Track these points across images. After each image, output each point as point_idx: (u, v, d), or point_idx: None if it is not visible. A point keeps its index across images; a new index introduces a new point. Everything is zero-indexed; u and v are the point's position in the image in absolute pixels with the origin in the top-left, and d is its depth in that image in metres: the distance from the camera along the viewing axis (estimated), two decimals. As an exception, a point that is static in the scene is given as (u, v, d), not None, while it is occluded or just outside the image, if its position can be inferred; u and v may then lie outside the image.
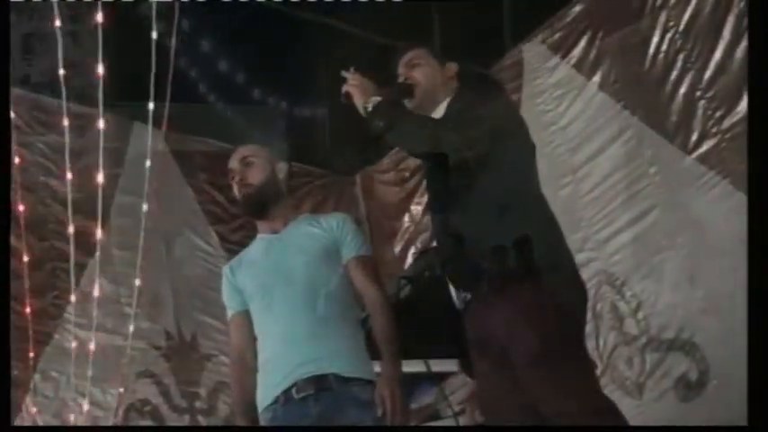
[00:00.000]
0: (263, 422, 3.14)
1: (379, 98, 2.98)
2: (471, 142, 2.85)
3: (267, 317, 3.23)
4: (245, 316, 3.32)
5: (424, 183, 3.23)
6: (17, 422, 5.24)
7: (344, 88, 3.05)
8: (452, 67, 3.19)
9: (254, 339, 3.28)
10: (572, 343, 2.76)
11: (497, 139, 2.89)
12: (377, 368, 3.19)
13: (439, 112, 3.06)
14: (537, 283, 2.71)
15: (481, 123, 2.89)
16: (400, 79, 3.14)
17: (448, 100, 3.06)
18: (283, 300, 3.20)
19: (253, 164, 3.38)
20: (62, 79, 4.56)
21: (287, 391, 3.09)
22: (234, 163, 3.40)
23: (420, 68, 3.14)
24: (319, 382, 3.08)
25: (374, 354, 3.23)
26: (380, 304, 3.23)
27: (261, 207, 3.36)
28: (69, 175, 4.94)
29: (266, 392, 3.15)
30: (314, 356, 3.11)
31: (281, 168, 3.43)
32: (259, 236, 3.43)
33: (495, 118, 2.94)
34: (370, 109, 2.96)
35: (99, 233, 5.10)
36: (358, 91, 3.02)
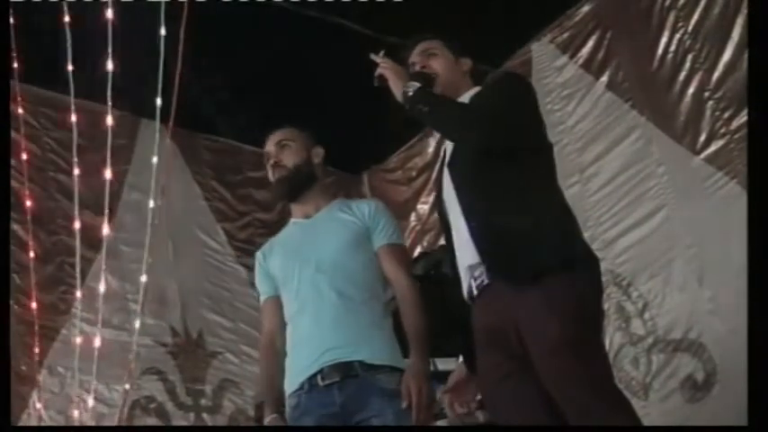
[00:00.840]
0: (287, 409, 3.13)
1: (417, 83, 2.94)
2: (503, 132, 2.81)
3: (296, 303, 3.23)
4: (277, 301, 3.32)
5: (435, 176, 3.19)
6: (24, 417, 5.23)
7: (378, 71, 3.01)
8: (467, 62, 3.16)
9: (284, 324, 3.28)
10: (595, 333, 2.72)
11: (521, 134, 2.86)
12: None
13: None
14: (566, 273, 2.66)
15: (508, 118, 2.84)
16: (416, 68, 3.09)
17: (470, 94, 3.02)
18: (312, 286, 3.19)
19: (288, 146, 3.37)
20: (70, 75, 4.57)
21: (312, 378, 3.09)
22: (270, 146, 3.38)
23: (437, 59, 3.10)
24: (345, 369, 3.07)
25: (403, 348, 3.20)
26: (411, 294, 3.21)
27: (294, 190, 3.35)
28: (76, 171, 4.94)
29: (293, 378, 3.15)
30: (341, 343, 3.10)
31: (318, 153, 3.42)
32: (292, 220, 3.42)
33: (519, 114, 2.90)
34: (411, 93, 2.92)
35: (106, 229, 5.09)
36: (394, 75, 2.99)
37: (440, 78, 3.05)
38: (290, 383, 3.16)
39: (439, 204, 3.05)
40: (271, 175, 3.39)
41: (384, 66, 3.02)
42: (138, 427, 5.48)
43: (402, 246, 3.38)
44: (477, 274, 2.83)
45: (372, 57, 3.07)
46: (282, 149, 3.36)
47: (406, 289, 3.23)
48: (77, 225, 4.91)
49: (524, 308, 2.67)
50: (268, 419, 3.15)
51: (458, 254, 2.91)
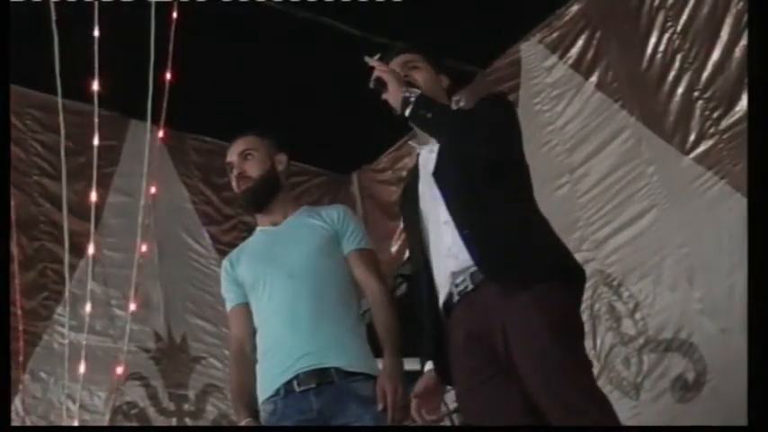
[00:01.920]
0: (263, 414, 3.13)
1: (418, 90, 2.95)
2: (500, 145, 2.88)
3: (268, 308, 3.22)
4: (245, 308, 3.32)
5: (406, 187, 3.21)
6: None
7: (377, 74, 3.00)
8: (445, 79, 3.18)
9: (253, 332, 3.28)
10: (579, 341, 2.76)
11: (512, 149, 2.96)
12: (379, 364, 3.17)
13: None
14: (556, 281, 2.72)
15: (503, 132, 2.93)
16: (403, 73, 3.07)
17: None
18: (284, 291, 3.19)
19: (252, 157, 3.37)
20: (58, 75, 4.52)
21: (288, 384, 3.09)
22: (233, 156, 3.39)
23: (419, 72, 3.11)
24: (321, 375, 3.08)
25: (375, 350, 3.21)
26: (382, 297, 3.23)
27: (261, 200, 3.36)
28: (65, 175, 4.88)
29: (267, 383, 3.14)
30: (315, 349, 3.11)
31: (281, 160, 3.42)
32: (259, 228, 3.42)
33: (511, 129, 2.99)
34: (413, 99, 2.92)
35: (92, 233, 5.04)
36: (393, 79, 2.97)
37: (422, 91, 3.04)
38: (264, 389, 3.16)
39: (413, 214, 3.04)
40: (236, 186, 3.40)
41: (382, 69, 3.01)
42: (137, 427, 5.42)
43: (371, 250, 3.40)
44: (459, 280, 2.85)
45: (367, 59, 3.05)
46: (246, 160, 3.38)
47: (377, 292, 3.25)
48: (66, 230, 4.85)
49: (513, 310, 2.70)
50: (243, 423, 3.16)
51: (437, 262, 2.93)
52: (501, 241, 2.78)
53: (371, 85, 3.01)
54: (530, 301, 2.68)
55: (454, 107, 3.09)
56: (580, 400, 2.59)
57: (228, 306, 3.41)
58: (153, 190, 4.88)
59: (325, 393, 3.06)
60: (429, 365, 2.96)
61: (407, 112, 2.93)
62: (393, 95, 2.96)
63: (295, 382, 3.08)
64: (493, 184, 2.84)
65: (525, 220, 2.87)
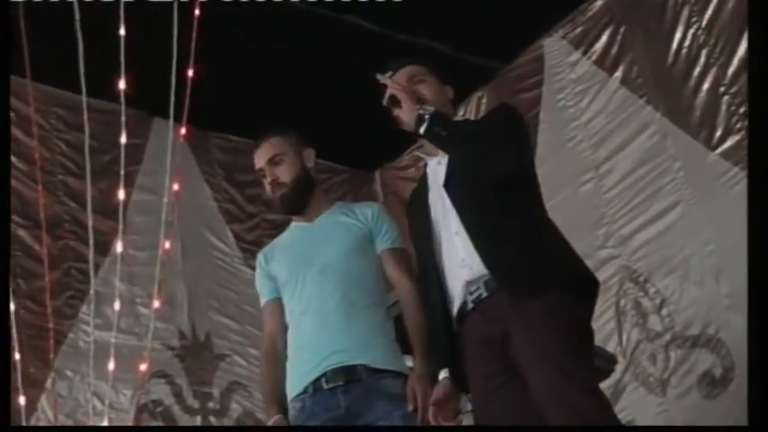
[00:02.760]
0: (291, 411, 3.13)
1: (432, 107, 2.96)
2: (514, 160, 2.90)
3: (299, 305, 3.22)
4: (278, 303, 3.32)
5: (413, 200, 3.24)
6: (32, 421, 5.19)
7: (391, 92, 3.00)
8: (450, 90, 3.18)
9: (285, 327, 3.28)
10: (587, 350, 2.80)
11: (525, 162, 2.98)
12: (408, 363, 3.16)
13: None
14: (567, 291, 2.75)
15: (516, 146, 2.95)
16: (409, 89, 3.08)
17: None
18: (315, 289, 3.19)
19: (282, 161, 3.36)
20: (82, 74, 4.53)
21: (316, 381, 3.09)
22: (262, 162, 3.37)
23: (426, 85, 3.12)
24: (348, 373, 3.07)
25: (404, 347, 3.20)
26: (414, 298, 3.21)
27: (299, 203, 3.35)
28: (89, 174, 4.89)
29: (296, 381, 3.14)
30: (344, 347, 3.10)
31: (309, 156, 3.41)
32: (293, 223, 3.41)
33: (524, 142, 3.02)
34: (427, 116, 2.92)
35: (120, 232, 5.06)
36: (408, 97, 2.98)
37: (431, 104, 3.05)
38: (293, 386, 3.16)
39: (423, 223, 3.05)
40: (270, 193, 3.38)
41: (396, 87, 3.01)
42: (136, 428, 5.43)
43: (404, 250, 3.37)
44: (473, 288, 2.88)
45: (379, 77, 3.06)
46: (277, 166, 3.36)
47: (408, 292, 3.23)
48: (91, 229, 4.87)
49: (524, 318, 2.73)
50: (273, 420, 3.15)
51: (450, 272, 2.94)
52: (513, 251, 2.81)
53: (385, 103, 3.02)
54: (540, 310, 2.70)
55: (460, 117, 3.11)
56: (586, 408, 2.61)
57: (262, 300, 3.41)
58: (176, 187, 4.89)
59: (352, 391, 3.06)
60: (444, 373, 2.97)
61: (422, 130, 2.94)
62: (407, 113, 2.96)
63: (323, 380, 3.08)
64: (504, 196, 2.86)
65: (537, 230, 2.88)
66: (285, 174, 3.35)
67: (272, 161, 3.37)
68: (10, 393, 4.40)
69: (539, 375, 2.67)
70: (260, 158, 3.41)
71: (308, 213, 3.37)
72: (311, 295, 3.20)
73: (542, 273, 2.76)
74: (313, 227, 3.34)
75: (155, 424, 5.70)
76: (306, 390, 3.11)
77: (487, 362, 2.82)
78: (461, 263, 2.89)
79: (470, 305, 2.88)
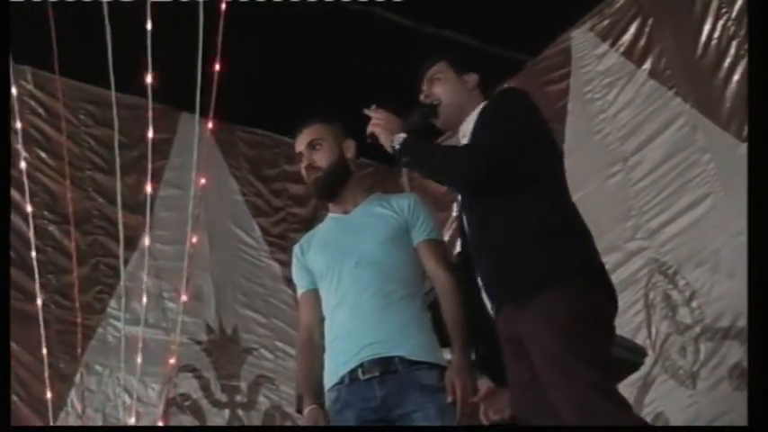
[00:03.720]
0: (327, 402, 3.13)
1: (403, 135, 3.00)
2: (499, 163, 2.87)
3: (336, 297, 3.21)
4: (315, 294, 3.31)
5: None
6: (61, 416, 5.22)
7: (369, 128, 3.08)
8: (472, 77, 3.17)
9: (322, 319, 3.27)
10: (594, 343, 2.77)
11: (525, 151, 2.92)
12: (447, 355, 3.16)
13: (468, 126, 3.05)
14: (563, 287, 2.75)
15: (507, 137, 2.91)
16: (422, 96, 3.16)
17: (477, 111, 3.06)
18: (352, 280, 3.18)
19: (321, 146, 3.34)
20: (111, 70, 4.55)
21: (353, 372, 3.08)
22: (301, 146, 3.36)
23: (439, 84, 3.15)
24: (385, 364, 3.06)
25: (441, 338, 3.19)
26: (451, 290, 3.19)
27: (331, 190, 3.34)
28: (119, 169, 4.92)
29: (333, 372, 3.14)
30: (381, 338, 3.09)
31: (350, 147, 3.40)
32: (330, 215, 3.40)
33: (521, 131, 2.96)
34: (397, 147, 2.99)
35: (147, 227, 5.09)
36: (383, 130, 3.05)
37: (442, 104, 3.12)
38: (330, 377, 3.16)
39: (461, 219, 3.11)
40: (305, 176, 3.37)
41: (375, 122, 3.08)
42: (140, 428, 5.46)
43: (441, 241, 3.37)
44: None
45: (366, 112, 3.13)
46: (315, 150, 3.35)
47: (446, 284, 3.21)
48: (121, 224, 4.90)
49: (525, 325, 2.77)
50: (308, 410, 3.15)
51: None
52: (498, 264, 2.87)
53: (368, 140, 3.12)
54: (537, 315, 2.73)
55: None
56: (597, 403, 2.61)
57: (299, 292, 3.40)
58: (203, 181, 4.90)
59: (389, 382, 3.05)
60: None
61: (396, 160, 3.06)
62: (384, 144, 3.06)
63: (360, 371, 3.07)
64: (498, 199, 2.89)
65: (537, 227, 2.86)
66: (322, 159, 3.33)
67: (311, 145, 3.35)
68: (10, 393, 4.46)
69: (544, 376, 2.71)
70: (300, 142, 3.39)
71: (343, 203, 3.35)
72: (347, 287, 3.19)
73: (529, 278, 2.78)
74: (349, 218, 3.33)
75: (183, 417, 5.72)
76: (342, 380, 3.10)
77: (517, 360, 2.86)
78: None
79: (494, 307, 2.95)
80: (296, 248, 3.41)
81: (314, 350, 3.24)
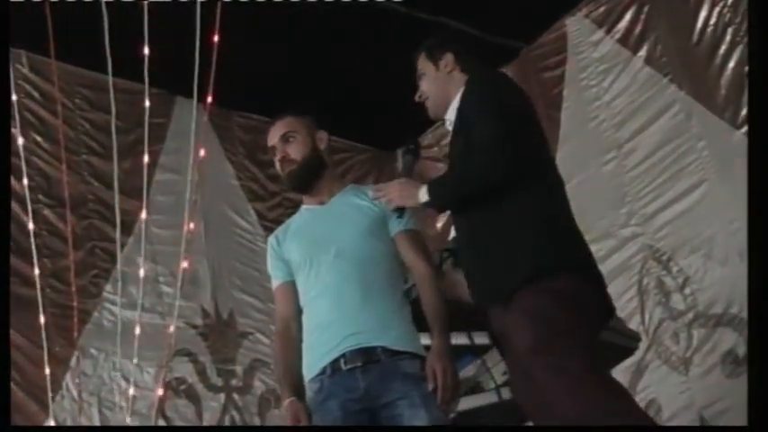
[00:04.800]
0: (309, 393, 3.12)
1: (424, 189, 2.97)
2: (515, 156, 2.85)
3: (315, 288, 3.20)
4: (291, 286, 3.29)
5: None
6: (57, 399, 5.24)
7: (393, 206, 3.08)
8: (447, 58, 3.15)
9: (299, 310, 3.26)
10: (571, 333, 2.76)
11: (513, 131, 2.90)
12: (424, 341, 3.17)
13: (454, 106, 3.06)
14: (537, 283, 2.77)
15: (510, 128, 2.89)
16: (416, 96, 3.19)
17: (458, 95, 3.06)
18: (331, 271, 3.17)
19: (294, 139, 3.33)
20: (108, 53, 4.55)
21: (335, 362, 3.08)
22: (274, 140, 3.35)
23: (423, 79, 3.17)
24: (367, 354, 3.06)
25: (420, 326, 3.21)
26: (429, 278, 3.21)
27: (306, 182, 3.33)
28: (116, 153, 4.92)
29: (313, 363, 3.14)
30: (362, 328, 3.09)
31: (322, 138, 3.39)
32: (304, 207, 3.40)
33: (505, 107, 2.95)
34: (430, 202, 2.97)
35: (144, 212, 5.09)
36: (402, 199, 3.04)
37: (428, 100, 3.16)
38: (311, 367, 3.15)
39: None
40: (280, 170, 3.36)
41: (390, 197, 3.07)
42: (139, 428, 5.47)
43: (418, 231, 3.33)
44: None
45: (371, 196, 3.21)
46: (288, 143, 3.33)
47: (424, 273, 3.22)
48: (117, 208, 4.91)
49: (503, 324, 2.83)
50: (287, 402, 3.14)
51: None
52: (480, 260, 2.91)
53: (396, 214, 3.12)
54: (513, 312, 2.77)
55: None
56: (587, 390, 2.64)
57: (275, 283, 3.39)
58: (202, 153, 4.89)
59: (371, 372, 3.05)
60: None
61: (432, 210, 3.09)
62: (416, 208, 3.06)
63: (342, 361, 3.07)
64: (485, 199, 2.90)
65: (505, 227, 2.87)
66: (295, 151, 3.32)
67: (284, 138, 3.35)
68: (10, 393, 4.47)
69: (541, 377, 2.71)
70: (273, 136, 3.38)
71: (318, 195, 3.36)
72: (328, 278, 3.19)
73: (506, 278, 2.81)
74: (325, 209, 3.33)
75: (178, 401, 5.73)
76: (324, 370, 3.10)
77: (507, 352, 2.96)
78: None
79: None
80: (271, 239, 3.40)
81: (292, 342, 3.23)
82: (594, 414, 2.59)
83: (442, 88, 3.12)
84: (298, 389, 3.15)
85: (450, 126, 3.10)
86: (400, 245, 3.26)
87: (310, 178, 3.33)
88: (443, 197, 2.98)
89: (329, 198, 3.34)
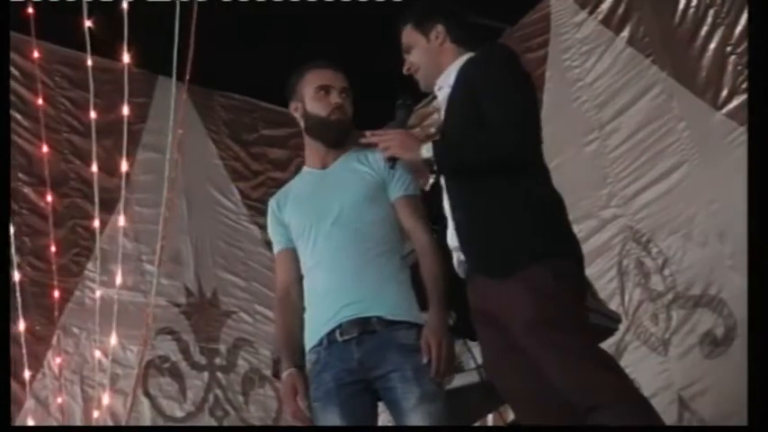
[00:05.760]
0: (308, 364, 3.11)
1: (429, 143, 2.90)
2: (535, 133, 2.85)
3: (312, 257, 3.18)
4: (292, 253, 3.26)
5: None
6: (38, 377, 5.24)
7: (387, 154, 2.96)
8: (438, 30, 3.11)
9: (300, 278, 3.23)
10: (571, 313, 2.78)
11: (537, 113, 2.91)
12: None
13: (446, 80, 3.04)
14: (540, 262, 2.76)
15: (528, 108, 2.89)
16: (404, 69, 3.14)
17: (459, 63, 3.03)
18: (328, 240, 3.14)
19: (348, 97, 3.27)
20: (87, 32, 4.53)
21: (331, 333, 3.06)
22: (336, 83, 3.27)
23: (413, 52, 3.12)
24: (363, 325, 3.03)
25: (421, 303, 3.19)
26: (429, 245, 3.15)
27: (343, 138, 3.27)
28: (94, 131, 4.90)
29: (312, 333, 3.12)
30: (359, 298, 3.06)
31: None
32: (306, 169, 3.35)
33: (527, 87, 2.96)
34: (430, 156, 2.87)
35: (123, 190, 5.07)
36: (401, 150, 2.95)
37: (420, 71, 3.11)
38: (310, 338, 3.14)
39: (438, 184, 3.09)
40: (326, 112, 3.24)
41: (389, 146, 2.96)
42: (139, 428, 5.48)
43: (418, 197, 3.27)
44: (462, 258, 2.95)
45: (363, 141, 3.05)
46: (345, 97, 3.27)
47: (424, 241, 3.17)
48: (96, 187, 4.89)
49: (502, 297, 2.78)
50: (286, 373, 3.13)
51: (448, 232, 3.00)
52: (486, 236, 2.85)
53: (388, 165, 2.99)
54: (515, 286, 2.75)
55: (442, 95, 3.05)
56: (580, 364, 2.66)
57: (275, 249, 3.34)
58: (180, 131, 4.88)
59: (366, 342, 3.02)
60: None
61: (432, 178, 3.02)
62: (412, 163, 2.95)
63: (338, 332, 3.05)
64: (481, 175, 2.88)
65: (516, 202, 2.85)
66: (349, 108, 3.27)
67: (342, 90, 3.28)
68: (10, 393, 4.46)
69: (528, 347, 2.73)
70: (333, 79, 3.27)
71: (327, 156, 3.29)
72: (324, 248, 3.15)
73: (515, 253, 2.78)
74: (326, 174, 3.27)
75: (162, 379, 5.74)
76: (321, 342, 3.08)
77: (487, 327, 2.90)
78: (451, 234, 2.99)
79: (463, 273, 2.98)
80: (271, 203, 3.35)
81: (292, 309, 3.21)
82: (585, 389, 2.63)
83: (435, 60, 3.08)
84: (298, 359, 3.13)
85: (441, 95, 3.07)
86: (400, 211, 3.20)
87: (346, 136, 3.28)
88: (447, 159, 2.89)
89: (333, 160, 3.29)
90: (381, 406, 3.12)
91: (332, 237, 3.15)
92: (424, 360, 2.98)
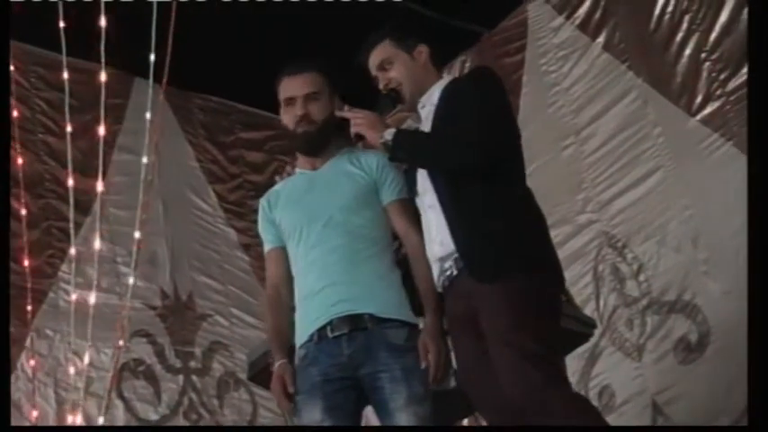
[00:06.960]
0: (296, 360, 3.11)
1: (393, 130, 2.96)
2: (490, 153, 2.86)
3: (304, 258, 3.17)
4: (282, 252, 3.24)
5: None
6: (12, 380, 5.20)
7: (354, 130, 3.02)
8: (422, 50, 3.12)
9: (290, 276, 3.21)
10: (546, 329, 2.82)
11: (501, 145, 2.92)
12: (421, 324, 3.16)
13: (429, 99, 3.05)
14: (525, 273, 2.79)
15: (493, 126, 2.90)
16: (381, 85, 3.12)
17: (440, 87, 3.04)
18: (320, 239, 3.13)
19: (318, 100, 3.23)
20: (62, 32, 4.51)
21: (322, 329, 3.04)
22: (297, 92, 3.17)
23: (395, 67, 3.10)
24: (354, 322, 3.02)
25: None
26: (422, 250, 3.12)
27: (318, 146, 3.25)
28: (69, 131, 4.88)
29: (302, 331, 3.11)
30: (350, 296, 3.04)
31: (339, 104, 3.31)
32: (298, 170, 3.34)
33: (503, 118, 2.97)
34: (390, 143, 2.94)
35: (99, 190, 5.05)
36: (368, 129, 3.00)
37: (404, 89, 3.09)
38: (300, 336, 3.13)
39: (412, 191, 3.10)
40: (293, 125, 3.20)
41: (359, 123, 3.02)
42: (139, 428, 5.45)
43: (410, 200, 3.25)
44: (446, 266, 2.95)
45: (338, 113, 3.09)
46: (311, 101, 3.18)
47: (417, 246, 3.13)
48: (71, 186, 4.86)
49: (484, 300, 2.80)
50: (276, 365, 3.11)
51: (427, 247, 3.01)
52: (482, 235, 2.86)
53: (353, 141, 3.06)
54: (498, 293, 2.77)
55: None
56: (536, 379, 2.68)
57: (266, 248, 3.31)
58: (156, 146, 4.86)
59: (357, 339, 3.01)
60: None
61: (388, 156, 3.00)
62: (375, 143, 3.01)
63: (328, 328, 3.03)
64: (477, 180, 2.89)
65: (510, 212, 2.88)
66: (318, 112, 3.16)
67: (309, 96, 3.22)
68: (10, 394, 4.43)
69: (495, 351, 2.75)
70: (295, 88, 3.19)
71: (315, 159, 3.27)
72: (315, 249, 3.14)
73: (507, 257, 2.81)
74: (318, 175, 3.24)
75: (136, 382, 5.72)
76: (311, 338, 3.06)
77: (465, 334, 2.91)
78: (433, 238, 2.97)
79: (446, 282, 2.97)
80: (263, 201, 3.32)
81: (281, 308, 3.19)
82: (531, 396, 2.67)
83: (419, 77, 3.07)
84: (287, 351, 3.12)
85: (424, 113, 3.07)
86: (392, 215, 3.18)
87: (322, 143, 3.21)
88: (405, 148, 2.95)
89: (323, 163, 3.26)
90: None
91: (323, 239, 3.13)
92: (422, 365, 2.98)
